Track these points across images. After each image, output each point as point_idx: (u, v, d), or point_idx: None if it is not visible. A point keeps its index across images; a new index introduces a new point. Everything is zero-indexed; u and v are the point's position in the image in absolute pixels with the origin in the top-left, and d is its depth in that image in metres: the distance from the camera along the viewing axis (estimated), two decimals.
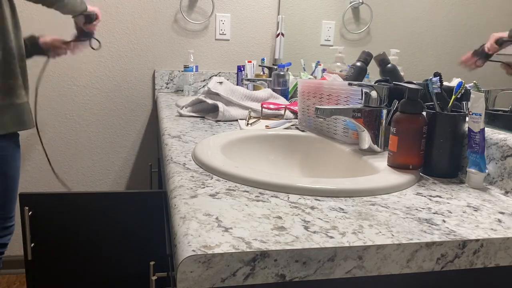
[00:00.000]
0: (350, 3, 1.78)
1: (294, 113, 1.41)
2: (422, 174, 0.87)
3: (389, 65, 1.20)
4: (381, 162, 0.89)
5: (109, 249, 1.34)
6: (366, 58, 1.23)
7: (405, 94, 0.83)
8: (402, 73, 1.23)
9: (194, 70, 2.07)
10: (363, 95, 0.96)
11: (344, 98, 1.08)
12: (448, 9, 1.18)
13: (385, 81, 1.00)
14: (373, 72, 1.30)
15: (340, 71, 1.49)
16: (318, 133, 1.17)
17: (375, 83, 0.99)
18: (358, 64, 1.23)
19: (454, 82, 1.09)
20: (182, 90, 2.17)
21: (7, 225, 1.49)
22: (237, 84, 2.14)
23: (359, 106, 0.95)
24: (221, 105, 1.40)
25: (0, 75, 1.33)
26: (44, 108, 2.06)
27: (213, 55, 2.20)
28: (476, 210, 0.68)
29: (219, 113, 1.39)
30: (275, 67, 1.75)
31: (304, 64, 1.63)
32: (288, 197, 0.69)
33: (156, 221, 1.33)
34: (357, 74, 1.22)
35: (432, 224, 0.62)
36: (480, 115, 0.77)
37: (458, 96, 0.84)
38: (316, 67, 1.81)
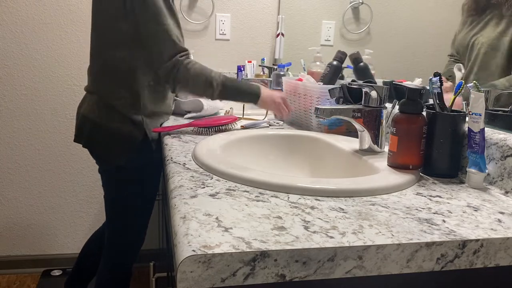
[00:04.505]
0: (350, 3, 1.78)
1: None
2: (422, 174, 0.87)
3: (361, 64, 1.29)
4: (381, 162, 0.89)
5: None
6: (341, 57, 1.30)
7: (405, 94, 0.83)
8: (373, 72, 1.31)
9: None
10: (363, 95, 0.96)
11: (316, 98, 1.21)
12: (448, 9, 1.18)
13: (369, 82, 1.00)
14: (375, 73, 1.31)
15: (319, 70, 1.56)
16: (297, 127, 1.33)
17: (351, 81, 1.02)
18: (334, 63, 1.30)
19: (416, 82, 1.12)
20: None
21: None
22: None
23: (359, 106, 0.95)
24: (203, 100, 1.40)
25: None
26: (44, 108, 2.06)
27: (213, 55, 2.20)
28: (476, 210, 0.68)
29: (204, 108, 1.39)
30: (275, 67, 1.75)
31: (304, 64, 1.63)
32: (288, 197, 0.69)
33: None
34: (333, 72, 1.30)
35: (432, 224, 0.62)
36: (480, 115, 0.77)
37: (458, 96, 0.84)
38: None
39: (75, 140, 1.37)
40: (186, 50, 1.22)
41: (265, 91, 1.28)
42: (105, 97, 1.28)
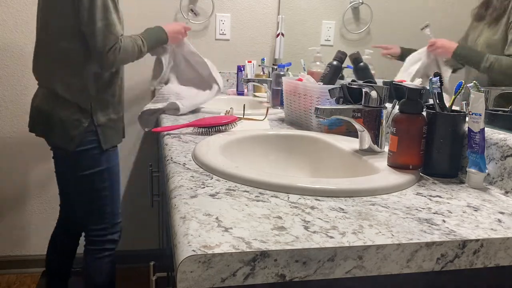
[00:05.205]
0: (350, 3, 1.78)
1: None
2: (422, 174, 0.87)
3: (361, 64, 1.30)
4: (381, 162, 0.89)
5: None
6: (341, 57, 1.30)
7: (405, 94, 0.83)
8: (373, 72, 1.32)
9: None
10: (363, 95, 0.96)
11: (316, 98, 1.22)
12: (448, 9, 1.18)
13: (369, 82, 1.00)
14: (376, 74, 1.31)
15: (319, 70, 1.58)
16: (297, 127, 1.34)
17: (351, 81, 1.03)
18: (334, 63, 1.31)
19: (416, 82, 1.13)
20: None
21: (117, 221, 1.59)
22: (237, 84, 2.14)
23: (359, 106, 0.95)
24: (178, 102, 1.51)
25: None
26: None
27: (213, 55, 2.20)
28: (476, 210, 0.68)
29: (181, 109, 1.50)
30: (275, 67, 1.75)
31: (304, 64, 1.63)
32: (288, 197, 0.69)
33: None
34: (333, 72, 1.30)
35: (432, 224, 0.62)
36: (480, 115, 0.77)
37: (458, 97, 0.84)
38: None
39: (30, 130, 1.49)
40: (119, 36, 1.37)
41: (169, 32, 1.58)
42: (56, 88, 1.39)
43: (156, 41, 1.55)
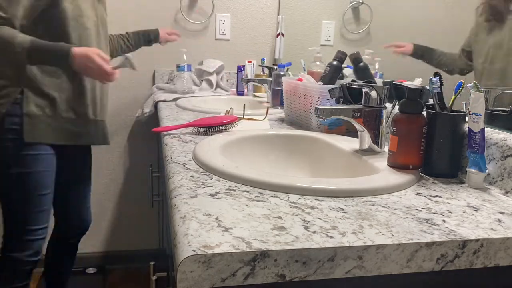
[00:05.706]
0: (350, 3, 1.78)
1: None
2: (422, 174, 0.87)
3: (361, 64, 1.29)
4: (381, 162, 0.89)
5: None
6: (341, 57, 1.30)
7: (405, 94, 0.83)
8: (373, 72, 1.33)
9: (186, 69, 2.05)
10: (363, 95, 0.96)
11: (316, 98, 1.23)
12: (448, 9, 1.18)
13: (369, 82, 1.00)
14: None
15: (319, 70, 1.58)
16: (297, 127, 1.34)
17: (351, 81, 1.03)
18: (334, 63, 1.31)
19: (416, 82, 1.13)
20: None
21: (28, 238, 1.34)
22: (237, 84, 2.13)
23: (359, 106, 0.95)
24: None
25: None
26: None
27: (213, 55, 2.20)
28: (476, 210, 0.68)
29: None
30: (275, 67, 1.75)
31: (304, 64, 1.63)
32: (288, 197, 0.69)
33: None
34: (333, 72, 1.30)
35: (432, 224, 0.62)
36: (480, 115, 0.77)
37: (458, 96, 0.84)
38: None
39: None
40: None
41: (78, 52, 1.20)
42: None
43: (51, 57, 1.21)
